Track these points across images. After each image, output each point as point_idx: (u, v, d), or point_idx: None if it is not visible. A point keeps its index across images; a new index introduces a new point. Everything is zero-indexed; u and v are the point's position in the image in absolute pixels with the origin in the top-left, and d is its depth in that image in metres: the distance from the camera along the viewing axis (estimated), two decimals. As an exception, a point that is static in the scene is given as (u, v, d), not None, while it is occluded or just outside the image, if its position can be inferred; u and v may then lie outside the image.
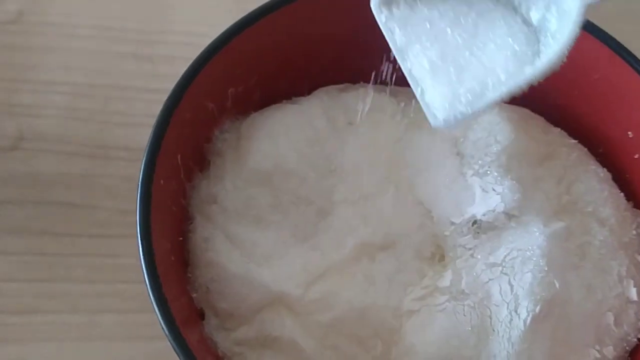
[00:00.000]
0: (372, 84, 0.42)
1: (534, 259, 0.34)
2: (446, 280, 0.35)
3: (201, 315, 0.37)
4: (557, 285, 0.34)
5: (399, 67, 0.42)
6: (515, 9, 0.31)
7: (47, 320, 0.43)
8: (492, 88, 0.28)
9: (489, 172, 0.36)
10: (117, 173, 0.47)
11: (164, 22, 0.52)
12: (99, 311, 0.43)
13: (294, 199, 0.37)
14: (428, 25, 0.30)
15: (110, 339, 0.43)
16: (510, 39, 0.29)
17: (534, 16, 0.30)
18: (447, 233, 0.36)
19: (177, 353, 0.30)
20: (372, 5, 0.31)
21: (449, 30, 0.30)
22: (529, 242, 0.34)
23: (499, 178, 0.36)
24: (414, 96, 0.42)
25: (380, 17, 0.31)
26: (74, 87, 0.50)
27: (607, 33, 0.37)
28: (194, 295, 0.36)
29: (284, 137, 0.38)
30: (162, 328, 0.30)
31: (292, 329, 0.35)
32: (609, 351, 0.34)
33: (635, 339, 0.35)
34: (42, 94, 0.49)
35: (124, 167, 0.47)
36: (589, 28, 0.37)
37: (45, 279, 0.44)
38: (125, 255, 0.44)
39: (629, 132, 0.38)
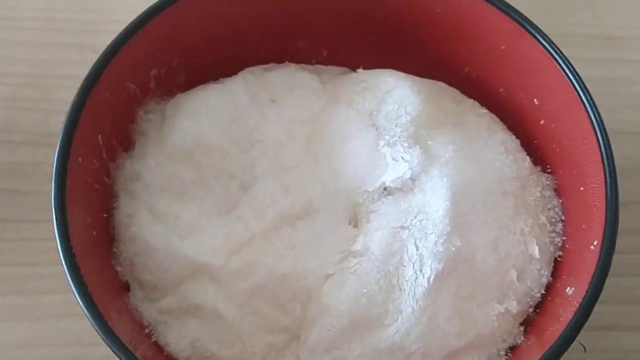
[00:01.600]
0: (297, 63, 0.44)
1: (438, 220, 0.36)
2: (358, 244, 0.36)
3: (127, 288, 0.38)
4: (460, 244, 0.35)
5: (322, 48, 0.44)
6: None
7: (-7, 302, 0.44)
8: None
9: (398, 141, 0.38)
10: (57, 162, 0.49)
11: (105, 12, 0.54)
12: (44, 292, 0.45)
13: (217, 174, 0.39)
14: None
15: (55, 317, 0.44)
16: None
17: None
18: (360, 201, 0.38)
19: (93, 326, 0.32)
20: None
21: None
22: (433, 205, 0.36)
23: (407, 147, 0.38)
24: (335, 74, 0.44)
25: None
26: (19, 78, 0.51)
27: (511, 5, 0.39)
28: (119, 268, 0.38)
29: (206, 115, 0.39)
30: (75, 295, 0.32)
31: (214, 297, 0.36)
32: (513, 306, 0.36)
33: (539, 294, 0.37)
34: (-13, 86, 0.51)
35: (69, 154, 0.48)
36: (495, 2, 0.39)
37: (-10, 263, 0.45)
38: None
39: (535, 100, 0.40)
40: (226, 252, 0.37)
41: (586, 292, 0.32)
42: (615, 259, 0.44)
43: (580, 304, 0.32)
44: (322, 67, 0.44)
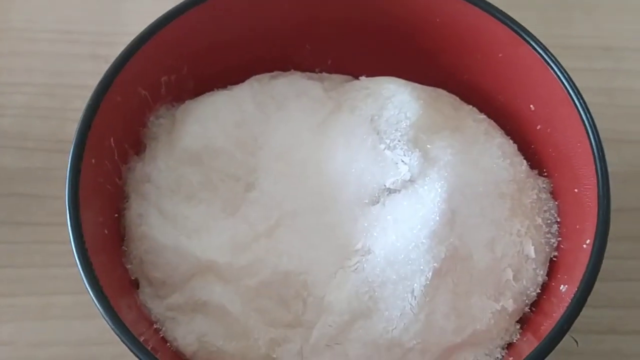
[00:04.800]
0: (302, 71, 0.46)
1: (437, 219, 0.37)
2: (360, 243, 0.38)
3: (136, 285, 0.39)
4: (457, 243, 0.36)
5: (327, 57, 0.46)
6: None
7: (7, 303, 0.46)
8: None
9: (398, 145, 0.39)
10: (72, 166, 0.50)
11: (120, 25, 0.56)
12: (56, 293, 0.46)
13: (223, 177, 0.40)
14: None
15: (67, 318, 0.45)
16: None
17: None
18: (363, 201, 0.39)
19: (102, 316, 0.33)
20: None
21: None
22: (431, 204, 0.37)
23: (407, 150, 0.39)
24: (339, 82, 0.45)
25: None
26: (35, 87, 0.53)
27: (507, 15, 0.40)
28: (129, 266, 0.39)
29: (213, 120, 0.41)
30: (87, 289, 0.33)
31: (220, 295, 0.38)
32: (509, 304, 0.37)
33: (535, 293, 0.38)
34: (5, 95, 0.52)
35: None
36: (493, 12, 0.40)
37: (5, 265, 0.47)
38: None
39: (531, 105, 0.41)
40: (232, 251, 0.38)
41: (578, 286, 0.33)
42: (615, 264, 0.45)
43: (572, 298, 0.33)
44: (327, 75, 0.46)
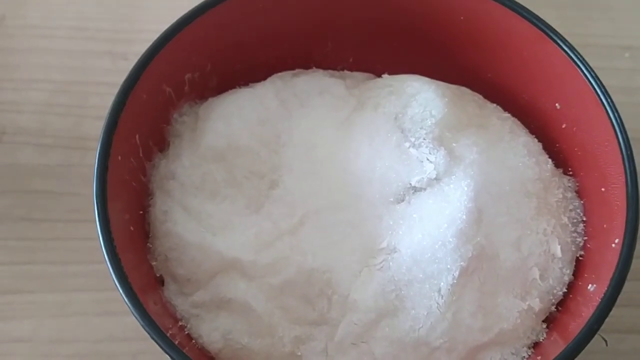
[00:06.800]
0: (324, 69, 0.46)
1: (464, 217, 0.37)
2: (385, 241, 0.38)
3: (161, 282, 0.39)
4: (484, 242, 0.36)
5: (348, 55, 0.46)
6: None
7: (27, 299, 0.46)
8: None
9: (423, 143, 0.39)
10: (93, 162, 0.49)
11: (137, 22, 0.56)
12: (76, 290, 0.46)
13: (247, 174, 0.40)
14: None
15: (86, 315, 0.45)
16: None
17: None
18: (387, 200, 0.39)
19: (132, 312, 0.33)
20: None
21: None
22: (457, 203, 0.37)
23: (432, 148, 0.39)
24: (361, 79, 0.45)
25: None
26: (53, 84, 0.53)
27: (533, 13, 0.40)
28: (154, 263, 0.39)
29: (237, 117, 0.41)
30: (116, 285, 0.33)
31: (244, 292, 0.38)
32: (536, 303, 0.37)
33: (561, 293, 0.38)
34: (23, 92, 0.52)
35: (99, 156, 0.50)
36: (518, 9, 0.40)
37: (25, 261, 0.47)
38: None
39: (557, 104, 0.41)
40: (256, 249, 0.38)
41: (608, 286, 0.33)
42: (636, 263, 0.45)
43: (602, 298, 0.33)
44: (348, 73, 0.46)
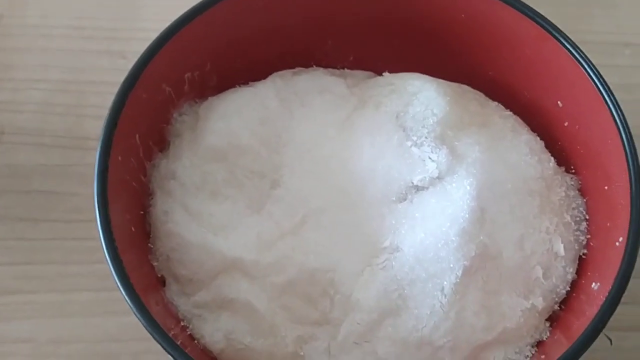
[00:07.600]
0: (324, 67, 0.45)
1: (466, 216, 0.37)
2: (387, 241, 0.37)
3: (162, 282, 0.39)
4: (486, 241, 0.36)
5: (349, 53, 0.46)
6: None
7: (27, 299, 0.45)
8: None
9: (425, 142, 0.39)
10: (92, 162, 0.49)
11: (135, 21, 0.55)
12: (75, 290, 0.46)
13: (248, 174, 0.40)
14: None
15: (86, 315, 0.45)
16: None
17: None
18: (389, 199, 0.39)
19: (134, 313, 0.33)
20: None
21: None
22: (460, 202, 0.37)
23: (434, 147, 0.39)
24: (362, 78, 0.45)
25: None
26: (51, 83, 0.52)
27: (535, 10, 0.40)
28: (155, 263, 0.39)
29: (237, 117, 0.41)
30: (118, 286, 0.33)
31: (247, 292, 0.37)
32: (539, 302, 0.37)
33: (564, 291, 0.38)
34: (22, 91, 0.52)
35: (98, 156, 0.49)
36: (519, 7, 0.40)
37: (25, 262, 0.47)
38: (99, 238, 0.47)
39: (559, 102, 0.41)
40: (258, 248, 0.38)
41: (612, 284, 0.33)
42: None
43: (606, 297, 0.33)
44: (349, 71, 0.46)
